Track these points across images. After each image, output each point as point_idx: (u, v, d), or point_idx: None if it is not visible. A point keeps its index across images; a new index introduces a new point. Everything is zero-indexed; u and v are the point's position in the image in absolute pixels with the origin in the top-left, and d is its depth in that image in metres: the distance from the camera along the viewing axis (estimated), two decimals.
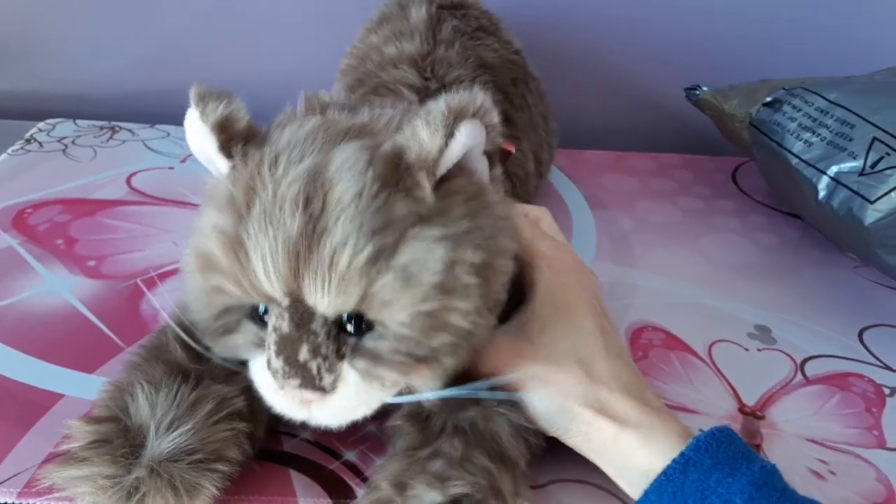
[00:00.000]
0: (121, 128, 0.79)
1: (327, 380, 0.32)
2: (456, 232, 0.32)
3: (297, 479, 0.39)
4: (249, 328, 0.34)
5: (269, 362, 0.33)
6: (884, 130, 0.55)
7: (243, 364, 0.36)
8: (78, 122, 0.79)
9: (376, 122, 0.35)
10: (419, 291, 0.31)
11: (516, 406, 0.37)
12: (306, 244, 0.30)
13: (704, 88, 0.71)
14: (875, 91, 0.59)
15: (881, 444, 0.45)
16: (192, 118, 0.34)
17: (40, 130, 0.77)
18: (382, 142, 0.33)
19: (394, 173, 0.31)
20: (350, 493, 0.38)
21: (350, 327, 0.32)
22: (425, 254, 0.31)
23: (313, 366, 0.32)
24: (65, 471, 0.34)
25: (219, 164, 0.34)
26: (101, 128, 0.78)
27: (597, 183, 0.74)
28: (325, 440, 0.41)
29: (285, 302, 0.32)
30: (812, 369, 0.51)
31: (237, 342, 0.35)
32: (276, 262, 0.31)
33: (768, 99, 0.64)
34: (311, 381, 0.32)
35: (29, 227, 0.60)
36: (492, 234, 0.34)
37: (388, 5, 0.62)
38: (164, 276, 0.54)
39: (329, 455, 0.40)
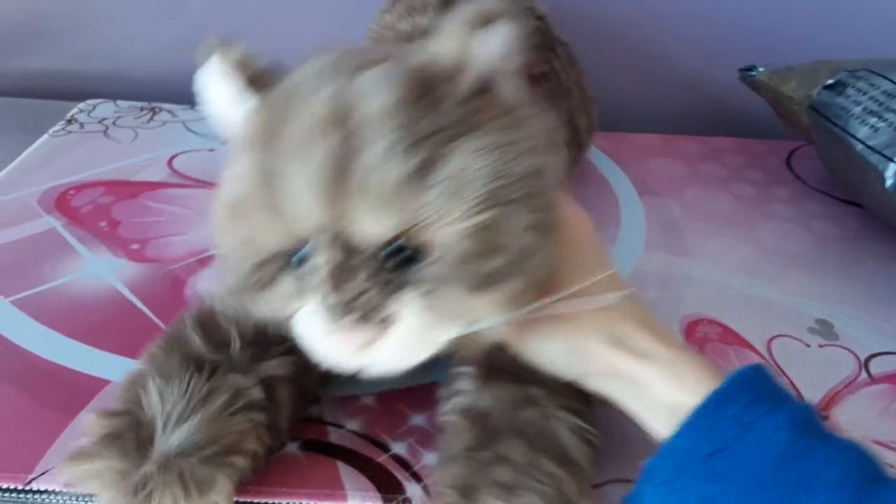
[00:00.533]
0: (161, 109, 0.78)
1: (385, 312, 0.30)
2: (498, 142, 0.30)
3: (345, 472, 0.38)
4: (288, 278, 0.32)
5: (319, 304, 0.30)
6: None
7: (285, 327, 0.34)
8: (118, 102, 0.79)
9: (393, 51, 0.34)
10: (470, 203, 0.29)
11: (575, 409, 0.36)
12: (344, 164, 0.28)
13: (760, 69, 0.68)
14: None
15: None
16: (212, 64, 0.33)
17: (81, 111, 0.77)
18: (406, 60, 0.31)
19: (426, 85, 0.30)
20: (400, 488, 0.37)
21: (401, 257, 0.30)
22: (471, 164, 0.29)
23: (370, 296, 0.29)
24: (77, 466, 0.33)
25: (240, 107, 0.33)
26: (142, 109, 0.78)
27: (644, 167, 0.72)
28: (373, 432, 0.40)
29: (329, 233, 0.29)
30: (876, 367, 0.49)
31: (276, 296, 0.32)
32: (315, 188, 0.28)
33: (830, 81, 0.61)
34: (369, 315, 0.29)
35: (72, 208, 0.60)
36: (533, 145, 0.31)
37: None
38: (206, 261, 0.54)
39: (377, 447, 0.39)
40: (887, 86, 0.57)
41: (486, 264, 0.30)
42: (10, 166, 0.65)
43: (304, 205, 0.29)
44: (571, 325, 0.35)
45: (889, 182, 0.53)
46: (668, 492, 0.31)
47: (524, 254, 0.31)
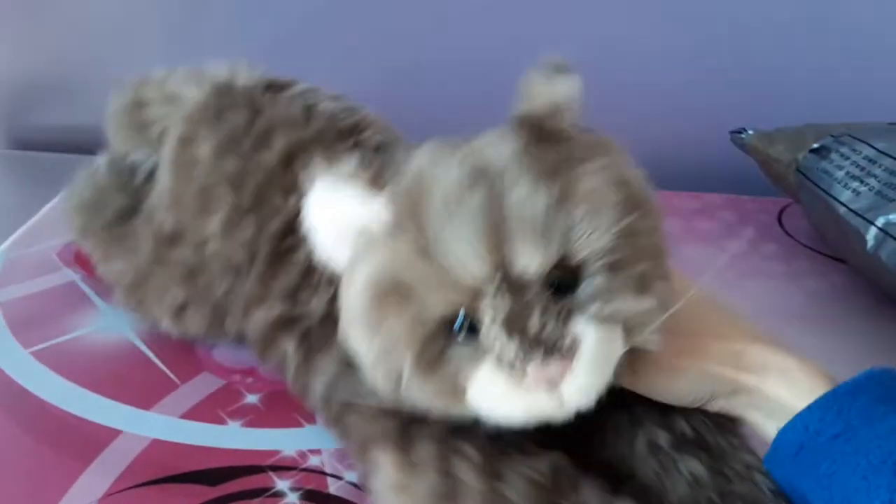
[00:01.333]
0: None
1: (568, 339, 0.31)
2: (609, 161, 0.33)
3: None
4: (457, 350, 0.32)
5: (500, 357, 0.31)
6: None
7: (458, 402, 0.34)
8: None
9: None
10: (610, 213, 0.31)
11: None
12: (496, 211, 0.30)
13: (750, 132, 0.71)
14: None
15: None
16: (323, 189, 0.33)
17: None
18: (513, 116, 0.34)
19: (535, 129, 0.33)
20: None
21: (563, 284, 0.32)
22: (598, 183, 0.32)
23: (549, 329, 0.30)
24: None
25: (364, 210, 0.33)
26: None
27: None
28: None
29: (496, 281, 0.31)
30: None
31: (451, 368, 0.32)
32: (476, 241, 0.30)
33: (815, 145, 0.64)
34: (553, 348, 0.30)
35: (89, 263, 0.62)
36: (626, 162, 0.35)
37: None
38: None
39: None
40: (868, 151, 0.60)
41: (636, 268, 0.32)
42: (32, 221, 0.69)
43: (469, 259, 0.30)
44: (689, 357, 0.37)
45: (870, 244, 0.56)
46: (790, 465, 0.34)
47: (660, 252, 0.34)
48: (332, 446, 0.45)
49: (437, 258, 0.30)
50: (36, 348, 0.52)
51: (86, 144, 0.87)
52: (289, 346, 0.44)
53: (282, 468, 0.43)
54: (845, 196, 0.59)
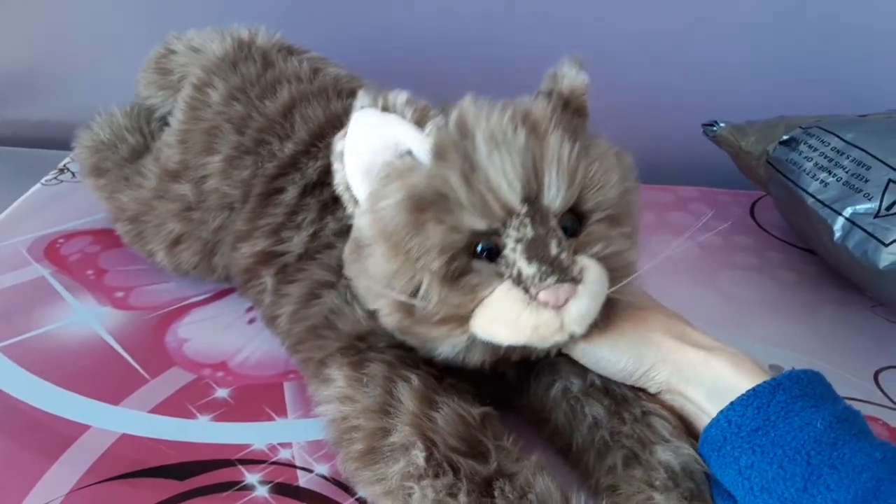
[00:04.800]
0: None
1: (576, 267, 0.35)
2: (610, 147, 0.40)
3: None
4: (480, 265, 0.36)
5: (519, 275, 0.35)
6: None
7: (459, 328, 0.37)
8: None
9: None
10: (615, 174, 0.38)
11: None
12: (536, 150, 0.36)
13: (722, 125, 0.72)
14: (891, 132, 0.60)
15: None
16: (371, 113, 0.37)
17: (72, 160, 0.79)
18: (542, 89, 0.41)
19: (560, 102, 0.40)
20: None
21: (573, 222, 0.38)
22: (606, 151, 0.39)
23: (563, 257, 0.35)
24: None
25: (410, 141, 0.37)
26: None
27: None
28: (341, 476, 0.42)
29: (524, 209, 0.36)
30: None
31: (474, 281, 0.36)
32: (517, 171, 0.35)
33: (785, 137, 0.65)
34: (565, 273, 0.35)
35: (60, 257, 0.62)
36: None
37: None
38: (187, 308, 0.56)
39: (344, 491, 0.41)
40: (836, 142, 0.60)
41: (626, 226, 0.39)
42: (2, 215, 0.68)
43: (507, 187, 0.35)
44: (637, 323, 0.40)
45: (837, 235, 0.56)
46: (715, 458, 0.37)
47: (639, 222, 0.41)
48: (302, 439, 0.45)
49: (479, 183, 0.35)
50: (4, 344, 0.51)
51: (55, 140, 0.87)
52: (267, 278, 0.48)
53: (251, 461, 0.43)
54: (813, 187, 0.59)
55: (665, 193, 0.81)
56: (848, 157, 0.59)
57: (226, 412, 0.47)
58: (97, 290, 0.58)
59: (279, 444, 0.44)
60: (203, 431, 0.45)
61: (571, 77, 0.40)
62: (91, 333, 0.53)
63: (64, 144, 0.83)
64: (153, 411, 0.47)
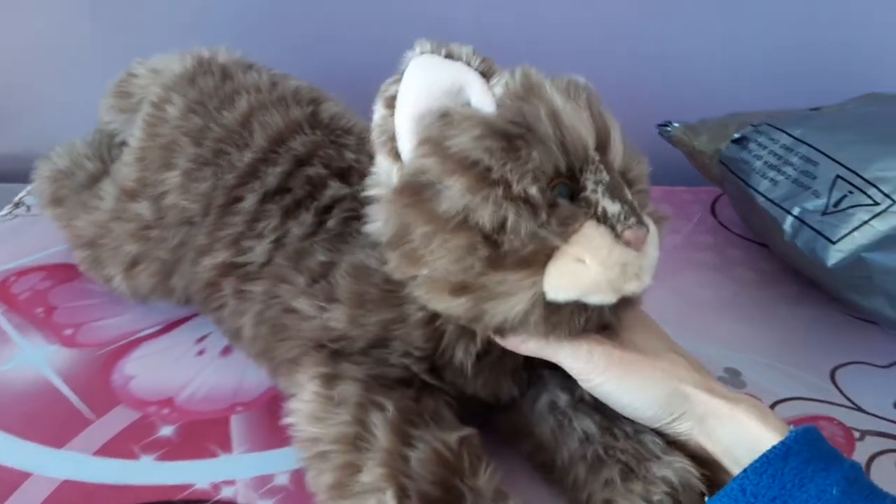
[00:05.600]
0: None
1: (645, 215, 0.36)
2: None
3: None
4: (564, 203, 0.35)
5: (604, 213, 0.35)
6: (847, 168, 0.54)
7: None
8: None
9: None
10: (643, 158, 0.40)
11: None
12: (598, 108, 0.37)
13: (675, 125, 0.71)
14: (841, 126, 0.59)
15: None
16: (432, 59, 0.36)
17: (28, 193, 0.79)
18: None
19: None
20: None
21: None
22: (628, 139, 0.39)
23: (636, 204, 0.36)
24: None
25: (476, 91, 0.36)
26: None
27: None
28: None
29: (597, 157, 0.36)
30: (781, 413, 0.50)
31: (565, 213, 0.35)
32: (590, 120, 0.36)
33: (736, 136, 0.64)
34: (640, 217, 0.36)
35: (11, 295, 0.61)
36: None
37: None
38: (136, 343, 0.55)
39: None
40: (785, 139, 0.60)
41: (648, 208, 0.39)
42: None
43: (586, 132, 0.36)
44: (665, 371, 0.39)
45: (787, 233, 0.56)
46: None
47: None
48: (247, 475, 0.44)
49: (561, 123, 0.35)
50: None
51: (14, 173, 0.86)
52: (228, 290, 0.48)
53: (193, 502, 0.42)
54: (763, 186, 0.59)
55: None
56: (797, 154, 0.58)
57: (169, 451, 0.46)
58: (46, 328, 0.57)
59: (223, 481, 0.44)
60: (145, 473, 0.44)
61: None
62: (37, 375, 0.52)
63: (20, 177, 0.83)
64: (97, 453, 0.46)
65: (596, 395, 0.40)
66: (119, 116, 0.63)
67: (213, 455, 0.46)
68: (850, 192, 0.53)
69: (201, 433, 0.47)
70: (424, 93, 0.36)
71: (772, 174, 0.59)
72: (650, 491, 0.37)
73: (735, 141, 0.64)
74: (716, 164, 0.66)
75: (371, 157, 0.47)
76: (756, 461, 0.35)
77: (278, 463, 0.45)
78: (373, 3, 0.82)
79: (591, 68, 0.78)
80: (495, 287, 0.35)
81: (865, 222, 0.51)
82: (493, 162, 0.34)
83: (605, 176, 0.36)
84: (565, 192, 0.35)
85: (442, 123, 0.36)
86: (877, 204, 0.52)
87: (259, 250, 0.46)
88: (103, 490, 0.43)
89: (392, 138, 0.37)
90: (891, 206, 0.51)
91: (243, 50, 0.61)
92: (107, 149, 0.63)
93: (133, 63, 0.63)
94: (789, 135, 0.60)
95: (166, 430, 0.48)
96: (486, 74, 0.36)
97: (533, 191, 0.34)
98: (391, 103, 0.37)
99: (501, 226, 0.34)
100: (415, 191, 0.36)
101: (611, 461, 0.39)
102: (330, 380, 0.40)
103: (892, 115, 0.61)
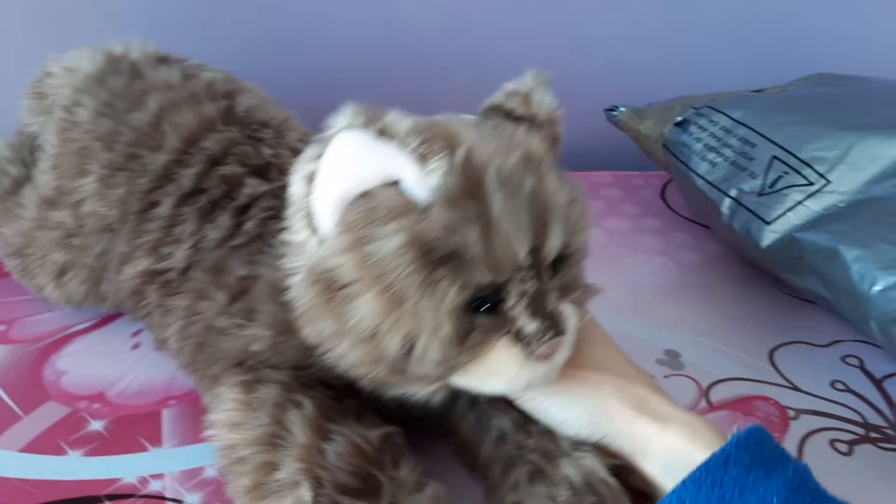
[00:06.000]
0: None
1: (564, 321, 0.35)
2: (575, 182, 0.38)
3: None
4: (481, 321, 0.34)
5: (519, 332, 0.34)
6: (783, 148, 0.55)
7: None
8: None
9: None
10: (587, 214, 0.37)
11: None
12: (541, 197, 0.34)
13: (622, 109, 0.71)
14: (780, 107, 0.60)
15: None
16: (360, 136, 0.32)
17: None
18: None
19: (545, 133, 0.37)
20: None
21: (554, 264, 0.36)
22: (578, 186, 0.37)
23: (558, 311, 0.34)
24: None
25: (409, 176, 0.32)
26: None
27: None
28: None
29: (528, 261, 0.34)
30: (718, 394, 0.51)
31: (476, 340, 0.34)
32: (528, 223, 0.33)
33: (678, 119, 0.64)
34: (560, 327, 0.34)
35: None
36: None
37: None
38: (69, 338, 0.54)
39: None
40: (725, 121, 0.60)
41: (584, 260, 0.38)
42: None
43: (521, 241, 0.33)
44: (592, 388, 0.38)
45: (725, 215, 0.56)
46: None
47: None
48: (176, 469, 0.44)
49: (495, 239, 0.32)
50: None
51: None
52: (153, 298, 0.46)
53: (119, 496, 0.42)
54: (703, 168, 0.59)
55: (579, 180, 0.80)
56: (735, 136, 0.59)
57: (99, 446, 0.45)
58: None
59: (151, 475, 0.43)
60: (73, 468, 0.44)
61: (548, 104, 0.37)
62: None
63: None
64: (24, 450, 0.45)
65: (524, 410, 0.40)
66: (37, 118, 0.60)
67: (143, 449, 0.45)
68: (786, 173, 0.53)
69: (132, 427, 0.46)
70: (348, 176, 0.33)
71: (711, 156, 0.59)
72: (554, 493, 0.37)
73: (678, 124, 0.64)
74: (660, 147, 0.66)
75: (290, 150, 0.46)
76: (696, 470, 0.34)
77: (208, 456, 0.44)
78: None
79: (543, 52, 0.79)
80: (405, 385, 0.36)
81: (799, 203, 0.52)
82: (410, 290, 0.32)
83: (529, 286, 0.34)
84: (486, 302, 0.34)
85: (365, 212, 0.33)
86: (811, 184, 0.52)
87: (178, 255, 0.45)
88: (29, 486, 0.42)
89: (310, 214, 0.34)
90: (825, 185, 0.52)
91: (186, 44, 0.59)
92: (29, 151, 0.60)
93: (49, 59, 0.60)
94: (729, 117, 0.60)
95: (96, 425, 0.47)
96: (426, 157, 0.32)
97: (447, 328, 0.33)
98: (310, 181, 0.34)
99: (409, 352, 0.34)
100: (327, 287, 0.34)
101: (520, 462, 0.39)
102: (250, 385, 0.39)
103: (832, 95, 0.62)
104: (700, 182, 0.59)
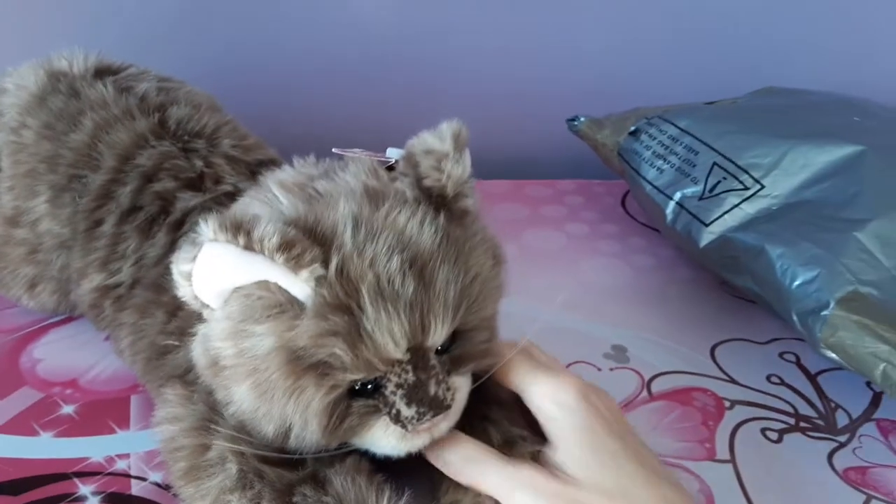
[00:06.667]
0: None
1: (450, 394, 0.36)
2: (484, 230, 0.39)
3: None
4: (358, 405, 0.35)
5: (396, 416, 0.35)
6: (723, 156, 0.58)
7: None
8: None
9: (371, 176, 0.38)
10: (493, 286, 0.38)
11: None
12: (424, 300, 0.34)
13: (582, 119, 0.75)
14: (724, 117, 0.63)
15: (711, 456, 0.48)
16: (226, 249, 0.32)
17: None
18: (402, 190, 0.37)
19: (448, 208, 0.37)
20: None
21: (443, 345, 0.36)
22: (486, 258, 0.37)
23: (440, 393, 0.35)
24: None
25: (282, 281, 0.33)
26: None
27: (489, 213, 0.77)
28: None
29: (406, 357, 0.34)
30: (658, 386, 0.54)
31: (353, 423, 0.36)
32: (404, 329, 0.33)
33: (632, 128, 0.68)
34: (441, 407, 0.35)
35: None
36: (492, 252, 0.39)
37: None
38: (48, 328, 0.57)
39: (175, 497, 0.43)
40: (672, 130, 0.64)
41: (493, 321, 0.39)
42: None
43: (395, 345, 0.34)
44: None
45: (669, 218, 0.60)
46: None
47: (495, 329, 0.40)
48: (141, 449, 0.46)
49: (365, 348, 0.33)
50: None
51: None
52: (109, 312, 0.49)
53: (87, 474, 0.44)
54: (651, 174, 0.63)
55: (544, 188, 0.84)
56: (681, 144, 0.62)
57: (69, 428, 0.48)
58: None
59: (117, 455, 0.46)
60: (44, 448, 0.46)
61: (458, 176, 0.36)
62: None
63: None
64: None
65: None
66: None
67: (112, 431, 0.48)
68: (724, 178, 0.57)
69: (102, 411, 0.49)
70: (222, 277, 0.34)
71: (658, 163, 0.63)
72: None
73: (631, 133, 0.68)
74: (616, 156, 0.69)
75: (225, 158, 0.48)
76: None
77: None
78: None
79: (507, 66, 0.82)
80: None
81: (736, 206, 0.55)
82: (277, 391, 0.34)
83: (408, 378, 0.35)
84: (367, 385, 0.35)
85: (243, 307, 0.34)
86: (747, 189, 0.55)
87: (125, 272, 0.47)
88: (3, 464, 0.45)
89: (196, 298, 0.35)
90: (759, 190, 0.55)
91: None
92: None
93: (3, 74, 0.60)
94: (676, 126, 0.64)
95: (68, 409, 0.49)
96: (296, 269, 0.32)
97: (317, 423, 0.35)
98: (188, 278, 0.34)
99: (286, 434, 0.36)
100: (214, 362, 0.36)
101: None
102: (191, 381, 0.41)
103: (776, 106, 0.66)
104: (648, 188, 0.62)
